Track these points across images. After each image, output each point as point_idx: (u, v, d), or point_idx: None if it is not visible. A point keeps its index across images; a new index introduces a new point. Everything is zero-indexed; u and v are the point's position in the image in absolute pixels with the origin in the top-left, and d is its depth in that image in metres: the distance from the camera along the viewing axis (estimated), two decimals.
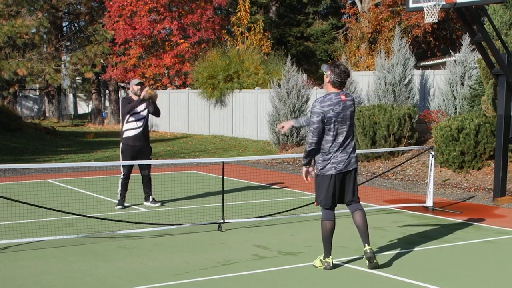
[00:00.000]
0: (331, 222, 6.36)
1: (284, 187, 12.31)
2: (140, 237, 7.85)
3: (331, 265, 6.36)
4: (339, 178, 6.34)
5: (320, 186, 6.39)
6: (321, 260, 6.42)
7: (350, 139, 6.36)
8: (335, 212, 6.48)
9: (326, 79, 6.34)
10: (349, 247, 7.02)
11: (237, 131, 24.89)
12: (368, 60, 27.21)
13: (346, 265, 6.53)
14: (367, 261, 6.36)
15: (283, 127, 6.89)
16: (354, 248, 7.06)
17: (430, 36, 28.64)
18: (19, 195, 9.66)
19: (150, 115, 10.00)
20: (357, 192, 6.51)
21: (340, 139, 6.28)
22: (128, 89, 10.28)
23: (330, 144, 6.28)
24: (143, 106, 9.91)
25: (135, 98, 9.89)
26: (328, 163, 6.30)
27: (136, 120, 9.83)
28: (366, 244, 6.36)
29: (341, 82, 6.29)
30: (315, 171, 6.43)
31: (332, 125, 6.24)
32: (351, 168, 6.37)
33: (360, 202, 6.54)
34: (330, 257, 6.38)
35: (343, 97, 6.29)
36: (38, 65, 33.16)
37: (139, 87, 9.91)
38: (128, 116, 9.82)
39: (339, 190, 6.39)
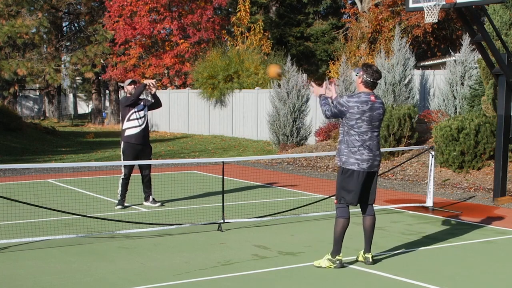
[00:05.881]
0: (347, 220, 6.44)
1: (284, 187, 12.31)
2: (140, 237, 7.85)
3: (342, 263, 6.41)
4: (363, 176, 6.39)
5: (344, 182, 6.43)
6: (329, 259, 6.41)
7: (375, 140, 6.43)
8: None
9: (358, 80, 6.46)
10: (349, 247, 7.02)
11: (237, 131, 24.89)
12: (368, 60, 27.19)
13: (346, 264, 6.53)
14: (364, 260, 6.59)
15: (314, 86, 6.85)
16: (354, 248, 7.06)
17: (430, 36, 28.61)
18: (19, 195, 9.65)
19: (149, 115, 10.03)
20: (374, 196, 6.62)
21: (365, 137, 6.37)
22: (123, 88, 10.31)
23: (354, 138, 6.36)
24: (142, 103, 9.96)
25: None
26: (352, 158, 6.36)
27: (137, 119, 9.85)
28: (368, 253, 6.55)
29: (373, 82, 6.43)
30: (338, 163, 6.47)
31: (354, 122, 6.33)
32: (373, 170, 6.45)
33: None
34: (341, 254, 6.42)
35: (372, 97, 6.41)
36: (38, 65, 33.16)
37: (132, 86, 9.98)
38: (129, 114, 9.84)
39: (361, 189, 6.45)
